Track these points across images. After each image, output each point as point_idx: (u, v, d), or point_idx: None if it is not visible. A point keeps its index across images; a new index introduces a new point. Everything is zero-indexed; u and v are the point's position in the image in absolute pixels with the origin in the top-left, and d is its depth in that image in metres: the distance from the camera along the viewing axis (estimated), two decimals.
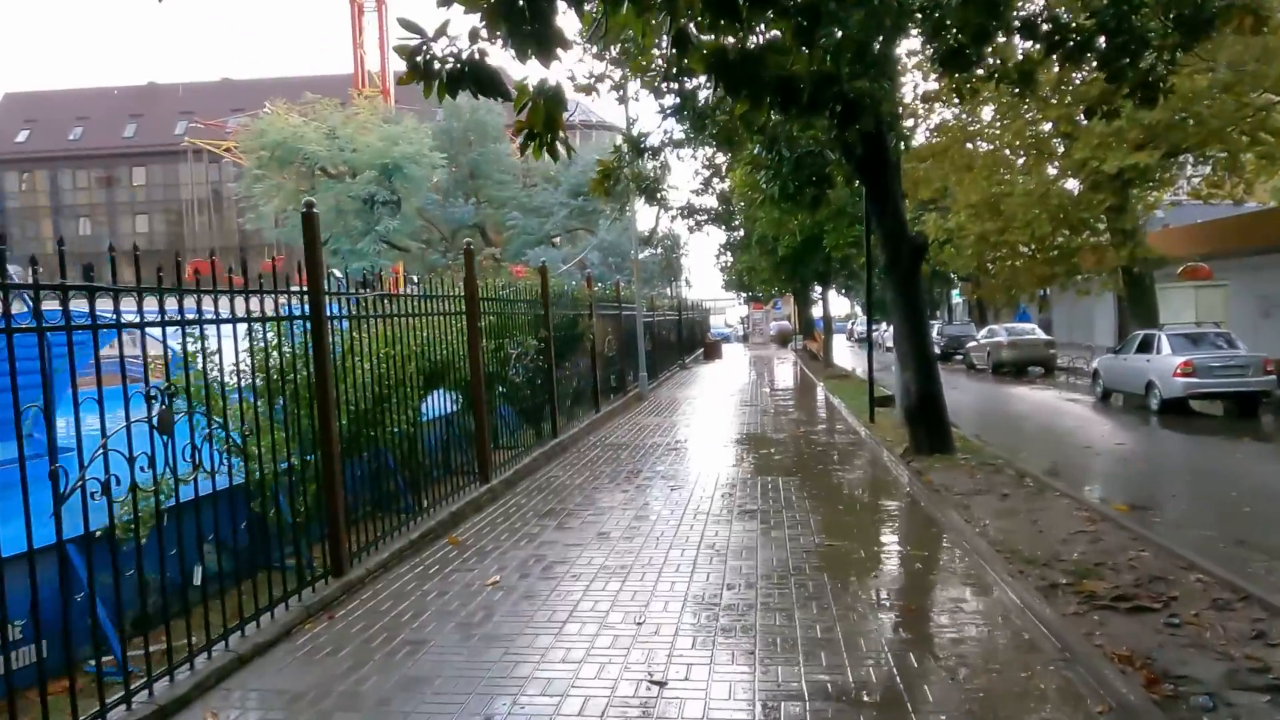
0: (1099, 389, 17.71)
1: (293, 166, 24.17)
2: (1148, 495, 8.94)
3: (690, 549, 6.52)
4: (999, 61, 7.54)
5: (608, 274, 26.22)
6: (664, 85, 9.68)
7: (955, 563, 6.09)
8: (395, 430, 6.82)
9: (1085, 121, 17.40)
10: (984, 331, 28.45)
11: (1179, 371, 14.68)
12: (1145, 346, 15.73)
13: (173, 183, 61.08)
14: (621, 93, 12.61)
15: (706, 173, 35.95)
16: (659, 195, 10.44)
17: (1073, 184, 21.39)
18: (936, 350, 34.20)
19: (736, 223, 36.37)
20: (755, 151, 9.30)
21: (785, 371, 28.41)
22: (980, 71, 7.19)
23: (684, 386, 22.55)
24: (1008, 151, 21.17)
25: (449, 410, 8.27)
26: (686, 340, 33.44)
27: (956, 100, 14.18)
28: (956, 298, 57.99)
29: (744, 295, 50.45)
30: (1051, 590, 5.19)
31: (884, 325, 53.78)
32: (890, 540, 6.89)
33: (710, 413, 15.96)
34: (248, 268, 4.87)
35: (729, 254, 42.80)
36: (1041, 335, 26.83)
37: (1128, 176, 18.95)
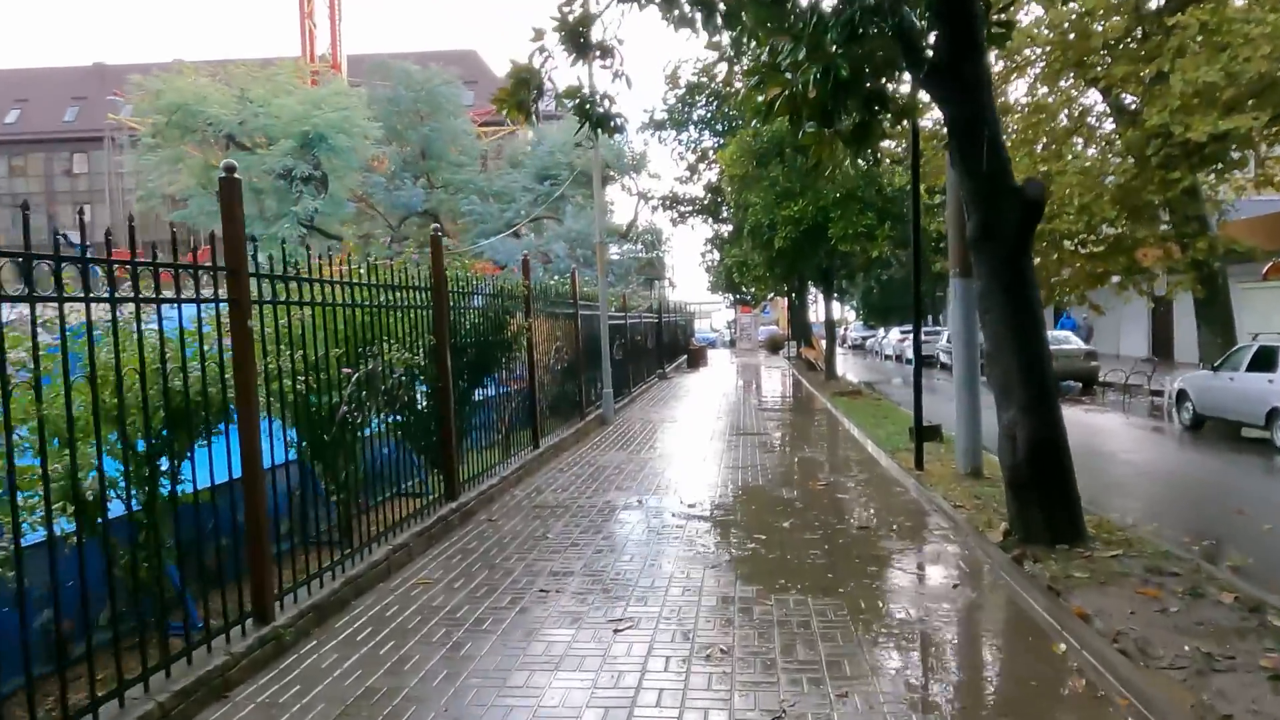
0: (1186, 415, 13.90)
1: (196, 135, 20.18)
2: None
3: None
4: None
5: (576, 267, 22.21)
6: None
7: None
8: None
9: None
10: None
11: None
12: (1265, 363, 11.92)
13: (116, 170, 56.66)
14: None
15: (692, 157, 32.22)
16: (612, 122, 6.46)
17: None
18: (947, 360, 30.46)
19: (725, 214, 32.55)
20: (785, 52, 5.25)
21: (781, 385, 24.49)
22: None
23: (661, 404, 18.60)
24: (1063, 118, 17.39)
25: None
26: (668, 346, 29.54)
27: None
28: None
29: (732, 298, 46.59)
30: None
31: (882, 332, 50.39)
32: None
33: (690, 448, 12.01)
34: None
35: (715, 252, 38.99)
36: (1080, 345, 23.07)
37: (1209, 150, 15.21)
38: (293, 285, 5.07)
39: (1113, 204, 16.04)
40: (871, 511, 7.80)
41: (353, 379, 5.72)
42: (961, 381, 9.04)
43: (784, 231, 20.98)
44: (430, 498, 7.34)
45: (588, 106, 6.58)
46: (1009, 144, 17.32)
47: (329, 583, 5.22)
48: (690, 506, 7.98)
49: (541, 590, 5.56)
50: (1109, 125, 18.71)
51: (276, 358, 4.94)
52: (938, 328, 39.41)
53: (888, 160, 23.76)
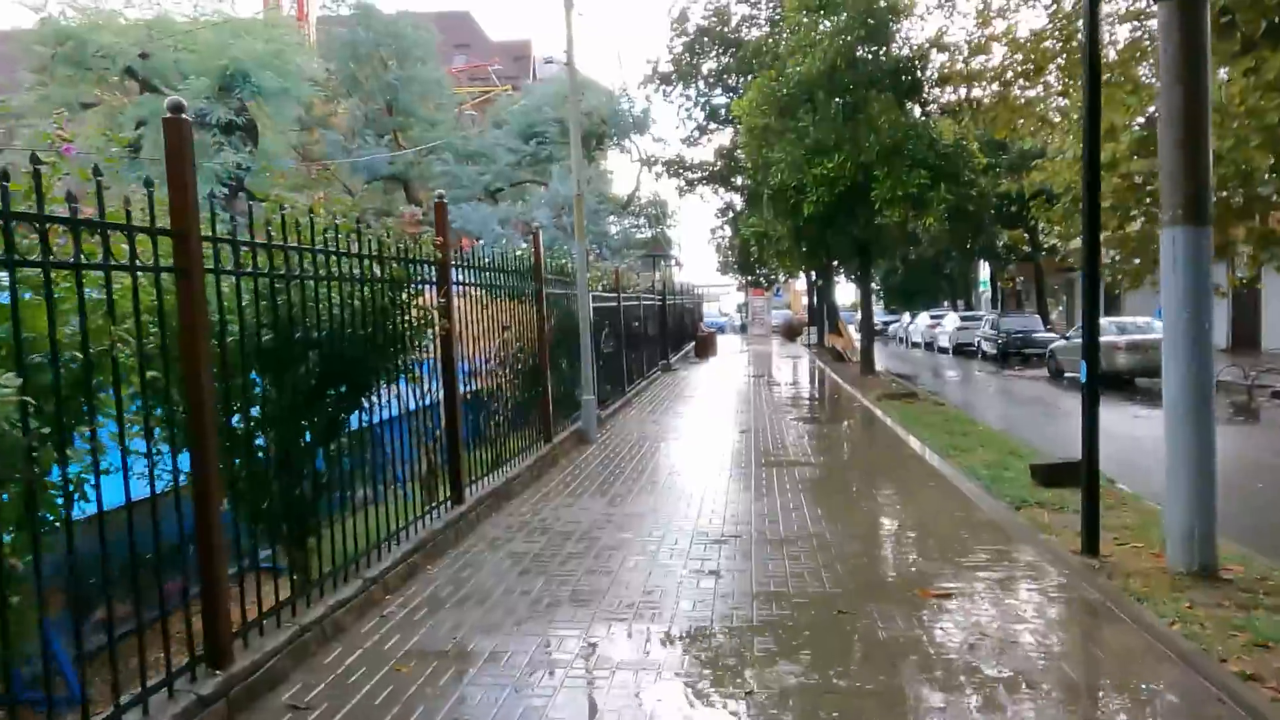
0: None
1: (91, 73, 16.33)
2: None
3: None
4: None
5: (562, 238, 18.36)
6: None
7: None
8: None
9: None
10: (1080, 328, 20.65)
11: None
12: None
13: None
14: None
15: (701, 116, 28.18)
16: None
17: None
18: (991, 349, 26.45)
19: (739, 182, 28.55)
20: None
21: (808, 380, 20.60)
22: None
23: (663, 408, 14.76)
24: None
25: None
26: (673, 332, 25.69)
27: None
28: (983, 285, 50.36)
29: (744, 279, 42.58)
30: None
31: (907, 317, 46.19)
32: None
33: (701, 491, 8.17)
34: None
35: (726, 227, 35.04)
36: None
37: None
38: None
39: (1265, 151, 12.09)
40: (1053, 653, 3.92)
41: None
42: (1185, 400, 5.19)
43: (815, 194, 17.07)
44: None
45: None
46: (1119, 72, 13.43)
47: None
48: (704, 669, 4.14)
49: None
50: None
51: None
52: (976, 313, 35.41)
53: (937, 109, 19.79)
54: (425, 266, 6.25)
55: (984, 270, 46.65)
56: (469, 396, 7.47)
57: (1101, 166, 13.74)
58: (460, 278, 7.03)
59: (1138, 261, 15.01)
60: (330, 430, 5.12)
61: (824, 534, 6.31)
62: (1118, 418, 13.76)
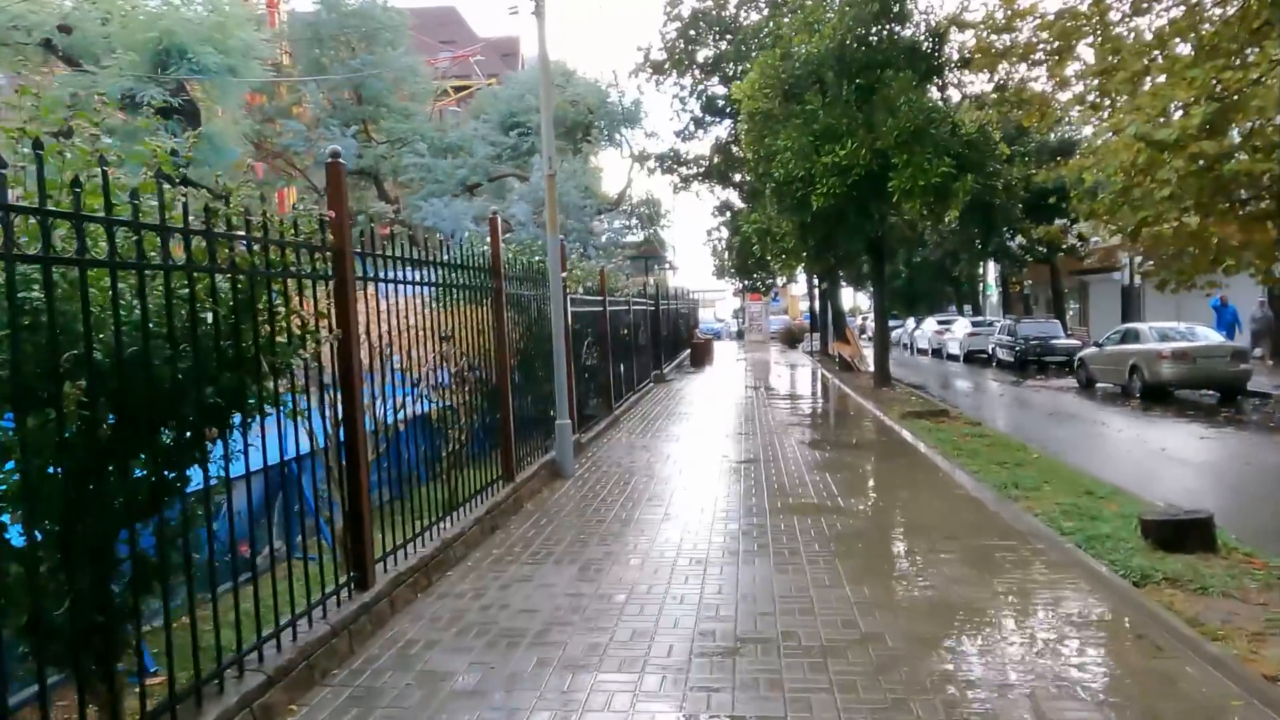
0: None
1: (8, 49, 14.35)
2: None
3: None
4: None
5: (544, 235, 16.37)
6: None
7: None
8: None
9: None
10: (1114, 334, 18.85)
11: None
12: None
13: None
14: None
15: (696, 106, 26.27)
16: None
17: None
18: (1007, 356, 24.62)
19: (738, 178, 26.66)
20: None
21: (817, 393, 18.71)
22: None
23: (655, 428, 12.85)
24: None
25: None
26: (667, 340, 23.78)
27: None
28: (992, 289, 48.50)
29: (741, 284, 40.65)
30: None
31: (911, 323, 44.23)
32: None
33: (703, 554, 6.26)
34: None
35: (723, 229, 33.18)
36: (1218, 339, 17.27)
37: None
38: None
39: None
40: None
41: None
42: None
43: (824, 186, 15.18)
44: None
45: None
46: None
47: None
48: None
49: None
50: None
51: None
52: (987, 319, 33.56)
53: (958, 94, 17.97)
54: (305, 252, 4.34)
55: (991, 272, 44.87)
56: (393, 429, 5.56)
57: (1163, 146, 11.79)
58: (372, 271, 5.12)
59: (1187, 258, 13.15)
60: (153, 496, 3.24)
61: (881, 636, 4.39)
62: (1181, 440, 11.90)
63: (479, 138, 22.26)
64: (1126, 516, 6.52)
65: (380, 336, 5.24)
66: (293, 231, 4.26)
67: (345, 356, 4.70)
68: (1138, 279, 33.14)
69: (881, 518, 7.10)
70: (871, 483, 8.66)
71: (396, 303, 5.55)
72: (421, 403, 6.10)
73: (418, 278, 5.80)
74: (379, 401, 5.39)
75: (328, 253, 4.63)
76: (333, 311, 4.66)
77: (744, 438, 11.54)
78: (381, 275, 5.33)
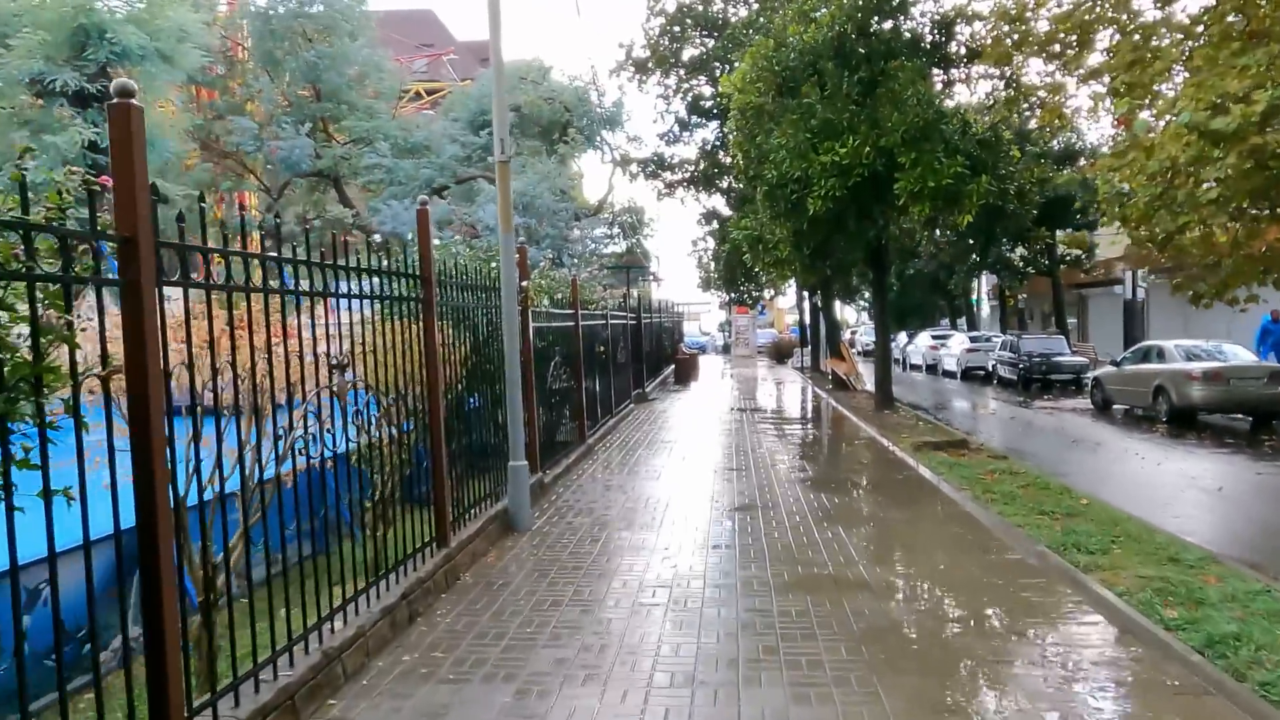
0: None
1: None
2: None
3: None
4: None
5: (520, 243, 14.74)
6: None
7: None
8: None
9: None
10: (1134, 352, 17.41)
11: None
12: None
13: None
14: None
15: (681, 106, 24.77)
16: None
17: None
18: (1010, 374, 23.29)
19: (725, 184, 25.16)
20: None
21: (813, 416, 17.12)
22: None
23: (633, 465, 11.20)
24: None
25: None
26: (650, 355, 22.18)
27: None
28: (983, 302, 47.27)
29: (727, 296, 39.13)
30: None
31: (904, 337, 42.78)
32: None
33: (688, 665, 4.62)
34: None
35: (708, 237, 31.71)
36: (1255, 360, 15.84)
37: None
38: None
39: None
40: None
41: None
42: None
43: (822, 187, 13.65)
44: None
45: None
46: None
47: None
48: None
49: None
50: None
51: None
52: (985, 334, 32.13)
53: (966, 90, 16.56)
54: (63, 242, 2.70)
55: (983, 286, 43.64)
56: (251, 493, 3.91)
57: (1219, 138, 10.23)
58: (187, 267, 3.48)
59: (1225, 269, 11.71)
60: None
61: None
62: (1235, 476, 10.36)
63: (448, 137, 20.61)
64: (1243, 601, 4.97)
65: (225, 368, 3.60)
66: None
67: (140, 403, 3.05)
68: (1140, 293, 31.95)
69: (921, 600, 5.49)
70: (897, 542, 7.05)
71: (267, 321, 3.92)
72: (305, 453, 4.42)
73: (314, 286, 4.17)
74: (228, 458, 3.74)
75: (115, 243, 2.99)
76: (125, 332, 3.02)
77: (737, 475, 9.92)
78: (238, 283, 3.71)
